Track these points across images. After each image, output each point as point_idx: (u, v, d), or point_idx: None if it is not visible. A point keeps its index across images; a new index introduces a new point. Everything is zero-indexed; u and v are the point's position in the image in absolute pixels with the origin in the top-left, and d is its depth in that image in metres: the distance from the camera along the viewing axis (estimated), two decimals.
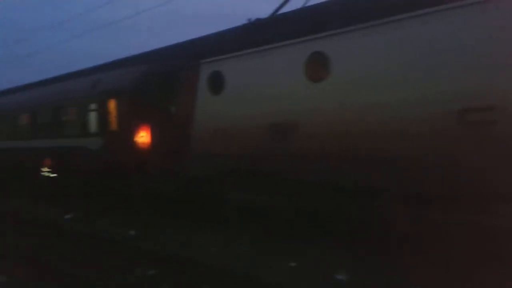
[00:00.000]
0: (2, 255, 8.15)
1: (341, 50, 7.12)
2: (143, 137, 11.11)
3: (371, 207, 6.80)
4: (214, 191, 9.28)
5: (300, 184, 7.72)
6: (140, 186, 11.14)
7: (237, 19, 11.39)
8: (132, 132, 11.24)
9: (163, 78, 10.65)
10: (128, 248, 8.09)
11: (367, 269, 6.29)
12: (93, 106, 12.82)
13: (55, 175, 14.65)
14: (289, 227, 7.95)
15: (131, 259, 7.53)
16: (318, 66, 7.41)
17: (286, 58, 7.90)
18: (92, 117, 12.87)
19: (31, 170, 15.76)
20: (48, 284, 6.59)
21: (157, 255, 7.46)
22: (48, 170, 14.90)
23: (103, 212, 11.71)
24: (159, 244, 8.18)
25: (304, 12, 8.36)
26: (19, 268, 7.37)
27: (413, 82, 6.24)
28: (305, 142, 7.57)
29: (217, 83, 9.11)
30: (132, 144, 11.18)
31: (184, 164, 9.86)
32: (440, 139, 5.94)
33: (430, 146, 6.02)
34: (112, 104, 12.09)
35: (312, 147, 7.44)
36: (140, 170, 11.09)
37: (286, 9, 8.92)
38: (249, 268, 6.63)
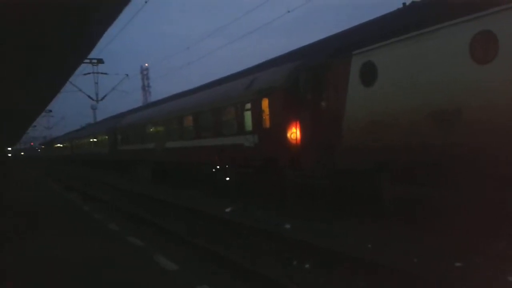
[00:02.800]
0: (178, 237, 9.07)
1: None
2: (294, 133, 11.33)
3: None
4: (368, 185, 8.99)
5: (468, 176, 7.03)
6: (293, 181, 11.37)
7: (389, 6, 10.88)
8: (284, 129, 11.55)
9: (313, 73, 10.69)
10: (284, 240, 8.29)
11: None
12: (247, 105, 13.52)
13: (216, 171, 15.85)
14: (451, 223, 7.27)
15: (288, 250, 7.71)
16: (485, 46, 6.67)
17: (447, 40, 7.27)
18: (247, 116, 13.58)
19: (195, 167, 17.31)
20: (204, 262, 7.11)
21: (313, 248, 7.50)
22: (210, 166, 16.17)
23: (259, 205, 12.23)
24: (314, 238, 8.21)
25: None
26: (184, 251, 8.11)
27: None
28: (472, 129, 6.86)
29: (369, 73, 8.81)
30: (285, 140, 11.47)
31: (336, 158, 9.76)
32: None
33: None
34: (264, 103, 12.59)
35: (481, 134, 6.71)
36: (293, 165, 11.31)
37: None
38: (409, 266, 6.25)
